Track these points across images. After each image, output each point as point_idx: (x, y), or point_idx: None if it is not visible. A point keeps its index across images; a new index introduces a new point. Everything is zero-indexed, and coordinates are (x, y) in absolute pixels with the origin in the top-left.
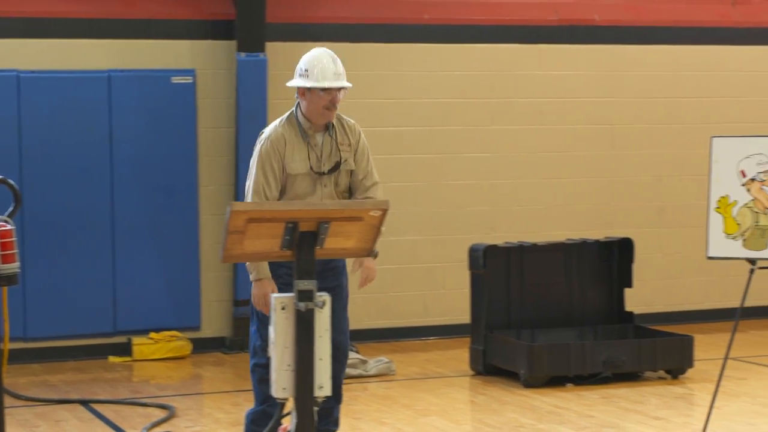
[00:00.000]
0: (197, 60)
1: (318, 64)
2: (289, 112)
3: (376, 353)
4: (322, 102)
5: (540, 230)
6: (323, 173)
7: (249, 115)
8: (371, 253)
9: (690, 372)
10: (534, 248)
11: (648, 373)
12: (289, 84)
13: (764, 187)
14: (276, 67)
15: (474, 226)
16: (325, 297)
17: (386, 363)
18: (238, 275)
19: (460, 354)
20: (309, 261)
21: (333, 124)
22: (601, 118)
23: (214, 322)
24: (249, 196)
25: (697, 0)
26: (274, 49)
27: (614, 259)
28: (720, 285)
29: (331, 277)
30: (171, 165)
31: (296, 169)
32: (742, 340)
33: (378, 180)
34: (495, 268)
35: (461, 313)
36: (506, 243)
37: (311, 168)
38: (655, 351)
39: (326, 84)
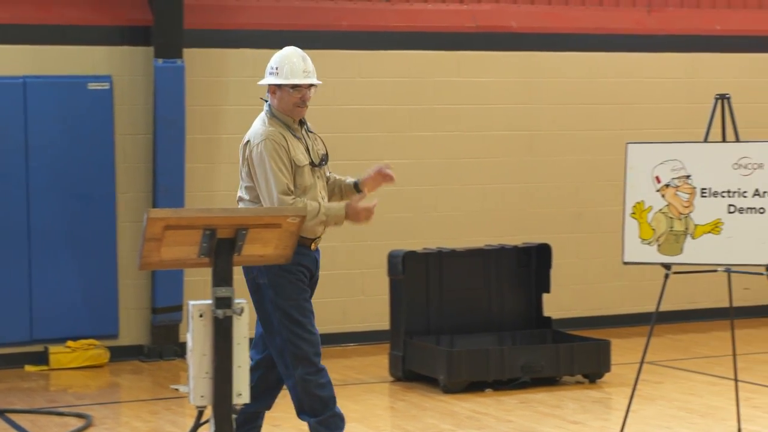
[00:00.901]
0: (114, 66)
1: (287, 63)
2: (263, 114)
3: None
4: (292, 99)
5: (459, 236)
6: (317, 165)
7: (166, 122)
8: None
9: (607, 376)
10: (453, 254)
11: (566, 378)
12: (260, 83)
13: (679, 193)
14: (193, 73)
15: (393, 233)
16: (243, 304)
17: None
18: (156, 283)
19: (379, 360)
20: (227, 268)
21: (305, 120)
22: (519, 124)
23: (132, 330)
24: (275, 199)
25: (614, 8)
26: (191, 56)
27: (532, 264)
28: (636, 290)
29: (317, 282)
30: (88, 172)
31: (302, 160)
32: (658, 344)
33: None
34: (414, 275)
35: (380, 320)
36: (425, 249)
37: (311, 161)
38: (572, 356)
39: (296, 81)
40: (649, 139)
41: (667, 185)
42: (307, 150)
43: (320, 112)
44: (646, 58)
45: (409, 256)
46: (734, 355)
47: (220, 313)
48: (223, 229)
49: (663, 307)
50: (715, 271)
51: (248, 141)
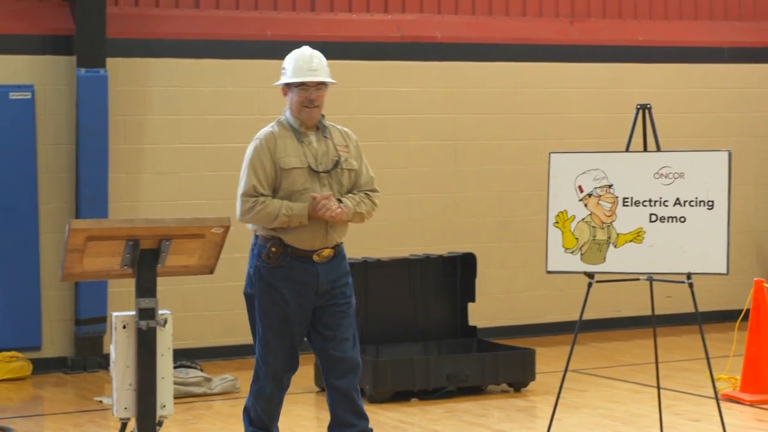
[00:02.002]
0: (36, 75)
1: (294, 61)
2: (277, 119)
3: (221, 371)
4: (299, 99)
5: (384, 246)
6: (321, 172)
7: (89, 132)
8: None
9: (532, 385)
10: (378, 264)
11: (491, 387)
12: (274, 84)
13: (601, 202)
14: (117, 82)
15: None
16: (166, 315)
17: (231, 381)
18: (79, 294)
19: (304, 371)
20: (150, 279)
21: (326, 126)
22: (443, 134)
23: (55, 341)
24: (239, 199)
25: (537, 18)
26: (115, 65)
27: (457, 274)
28: (560, 298)
29: (340, 295)
30: (10, 182)
31: (290, 163)
32: (582, 352)
33: (373, 175)
34: None
35: None
36: (350, 259)
37: (309, 165)
38: (497, 364)
39: (299, 79)
40: (573, 149)
41: (589, 195)
42: (313, 155)
43: (245, 121)
44: (569, 69)
45: None
46: (656, 362)
47: (143, 324)
48: (146, 239)
49: (587, 316)
50: (638, 279)
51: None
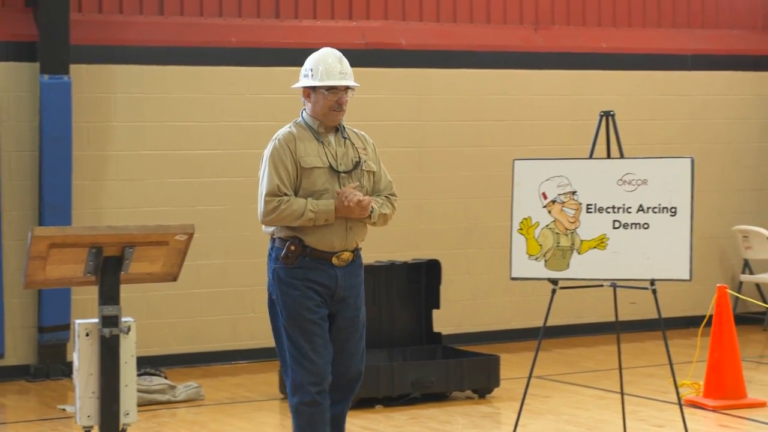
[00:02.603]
0: None
1: (323, 63)
2: (294, 120)
3: (185, 378)
4: (327, 102)
5: None
6: (342, 172)
7: (53, 139)
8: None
9: (496, 391)
10: None
11: (456, 393)
12: (294, 86)
13: (565, 209)
14: (81, 89)
15: None
16: (130, 323)
17: (195, 388)
18: (42, 301)
19: (269, 378)
20: (113, 286)
21: (345, 128)
22: (409, 141)
23: (18, 349)
24: (262, 199)
25: (501, 25)
26: (78, 72)
27: (422, 280)
28: (525, 305)
29: (353, 305)
30: None
31: (311, 162)
32: (546, 358)
33: (391, 179)
34: None
35: (270, 337)
36: None
37: (330, 165)
38: (462, 371)
39: (331, 83)
40: (537, 156)
41: (553, 201)
42: (333, 155)
43: (209, 128)
44: (533, 75)
45: None
46: (620, 368)
47: (106, 332)
48: (109, 246)
49: (551, 322)
50: (601, 286)
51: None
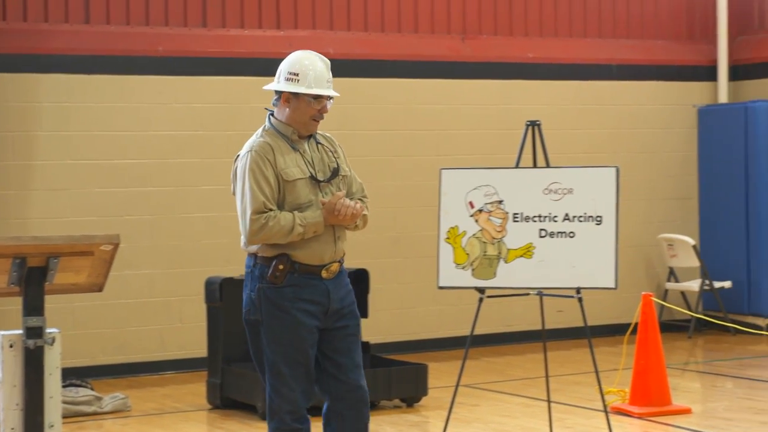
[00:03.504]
0: None
1: (311, 68)
2: (262, 127)
3: (112, 389)
4: (310, 111)
5: None
6: (323, 180)
7: None
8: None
9: (424, 400)
10: None
11: (384, 402)
12: (272, 87)
13: (492, 218)
14: (6, 98)
15: (211, 259)
16: (54, 334)
17: (122, 399)
18: None
19: (197, 388)
20: (38, 297)
21: (316, 133)
22: None
23: None
24: (248, 217)
25: (429, 35)
26: (3, 81)
27: None
28: (452, 314)
29: (349, 316)
30: None
31: (293, 174)
32: (474, 367)
33: (361, 181)
34: (232, 301)
35: (198, 347)
36: (240, 276)
37: (311, 175)
38: (390, 380)
39: (320, 91)
40: (464, 165)
41: (480, 210)
42: (310, 164)
43: (137, 138)
44: (460, 85)
45: (227, 283)
46: (547, 376)
47: (30, 343)
48: (33, 257)
49: (479, 331)
50: (528, 294)
51: (237, 156)
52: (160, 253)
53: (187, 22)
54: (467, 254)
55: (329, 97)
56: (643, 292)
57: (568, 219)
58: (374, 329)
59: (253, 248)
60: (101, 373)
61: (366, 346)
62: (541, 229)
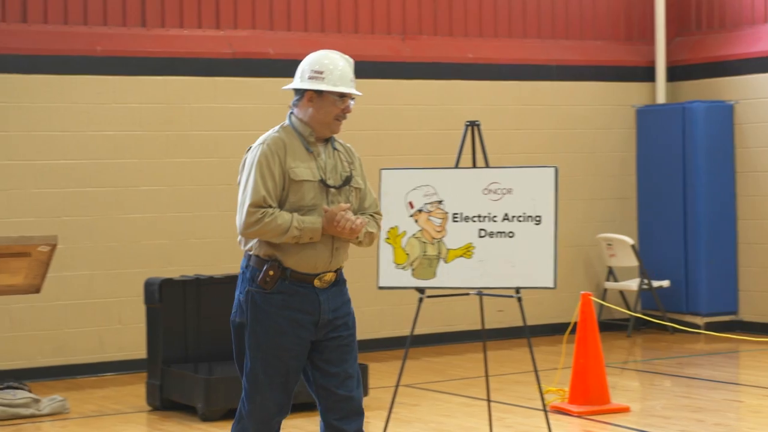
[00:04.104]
0: None
1: (335, 67)
2: (281, 124)
3: (50, 392)
4: (334, 110)
5: (217, 263)
6: (333, 186)
7: None
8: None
9: (365, 400)
10: (210, 281)
11: None
12: (295, 86)
13: (431, 218)
14: None
15: (151, 260)
16: None
17: (60, 401)
18: None
19: (136, 390)
20: None
21: (334, 139)
22: None
23: None
24: (245, 209)
25: (369, 35)
26: None
27: None
28: (393, 314)
29: (343, 327)
30: None
31: (301, 174)
32: (415, 367)
33: (376, 196)
34: (171, 302)
35: (138, 348)
36: (182, 276)
37: (321, 179)
38: None
39: (346, 89)
40: (404, 165)
41: (420, 210)
42: (322, 168)
43: (75, 138)
44: (400, 85)
45: (166, 284)
46: (487, 376)
47: None
48: None
49: (419, 330)
50: (468, 294)
51: (249, 147)
52: (99, 254)
53: (125, 21)
54: (407, 254)
55: (352, 97)
56: (582, 292)
57: (507, 219)
58: None
59: (249, 245)
60: (39, 375)
61: None
62: (481, 229)
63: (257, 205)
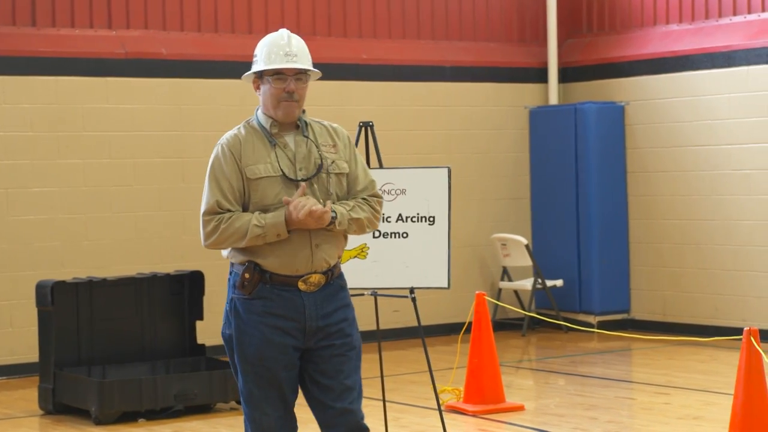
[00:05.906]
0: None
1: (267, 45)
2: (246, 120)
3: None
4: (274, 91)
5: (111, 265)
6: (298, 180)
7: None
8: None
9: None
10: (104, 283)
11: (220, 405)
12: (244, 76)
13: None
14: None
15: (42, 262)
16: None
17: None
18: None
19: (28, 394)
20: None
21: (307, 123)
22: (170, 151)
23: None
24: (201, 220)
25: (262, 35)
26: None
27: (185, 292)
28: None
29: (337, 335)
30: None
31: (258, 172)
32: None
33: (372, 178)
34: (63, 305)
35: (30, 352)
36: (75, 278)
37: (283, 173)
38: (226, 382)
39: (275, 66)
40: None
41: None
42: (290, 160)
43: None
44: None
45: (58, 286)
46: (382, 376)
47: None
48: None
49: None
50: (363, 294)
51: None
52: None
53: (15, 20)
54: None
55: (296, 74)
56: (476, 292)
57: (401, 219)
58: (210, 331)
59: (224, 253)
60: None
61: (201, 348)
62: (375, 230)
63: (211, 212)
